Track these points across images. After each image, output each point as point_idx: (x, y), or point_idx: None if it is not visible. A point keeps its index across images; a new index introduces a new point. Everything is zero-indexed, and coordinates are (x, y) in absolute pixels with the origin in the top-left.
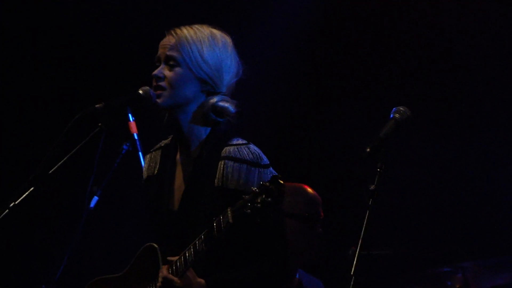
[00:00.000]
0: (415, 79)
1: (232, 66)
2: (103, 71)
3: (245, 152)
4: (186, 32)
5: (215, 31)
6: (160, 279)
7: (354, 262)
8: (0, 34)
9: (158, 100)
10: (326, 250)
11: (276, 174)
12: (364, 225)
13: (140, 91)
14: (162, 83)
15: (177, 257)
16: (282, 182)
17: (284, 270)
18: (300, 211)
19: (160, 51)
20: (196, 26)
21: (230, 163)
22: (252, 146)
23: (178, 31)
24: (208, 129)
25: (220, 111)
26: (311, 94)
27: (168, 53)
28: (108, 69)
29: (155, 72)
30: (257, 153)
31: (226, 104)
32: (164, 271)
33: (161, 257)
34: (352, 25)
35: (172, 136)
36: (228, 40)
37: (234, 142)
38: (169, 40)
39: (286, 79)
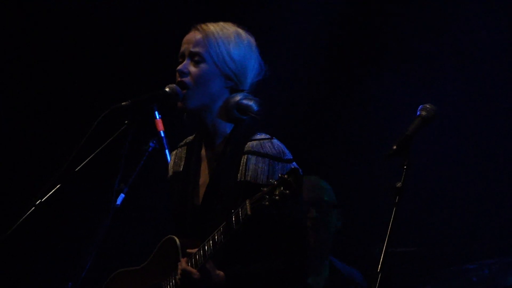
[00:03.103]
0: (437, 75)
1: (256, 65)
2: (130, 68)
3: (268, 147)
4: (212, 28)
5: (239, 29)
6: (179, 271)
7: (381, 259)
8: (28, 33)
9: (184, 103)
10: (353, 247)
11: (299, 168)
12: (390, 223)
13: (167, 89)
14: (186, 79)
15: (196, 250)
16: (300, 174)
17: (302, 264)
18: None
19: (184, 46)
20: (221, 23)
21: (253, 157)
22: (275, 141)
23: (204, 26)
24: (232, 124)
25: (243, 108)
26: (335, 90)
27: (193, 49)
28: (135, 66)
29: (180, 67)
30: (280, 148)
31: (250, 102)
32: (183, 263)
33: (181, 249)
34: (374, 21)
35: (196, 132)
36: (252, 40)
37: (258, 137)
38: (194, 35)
39: (309, 76)
